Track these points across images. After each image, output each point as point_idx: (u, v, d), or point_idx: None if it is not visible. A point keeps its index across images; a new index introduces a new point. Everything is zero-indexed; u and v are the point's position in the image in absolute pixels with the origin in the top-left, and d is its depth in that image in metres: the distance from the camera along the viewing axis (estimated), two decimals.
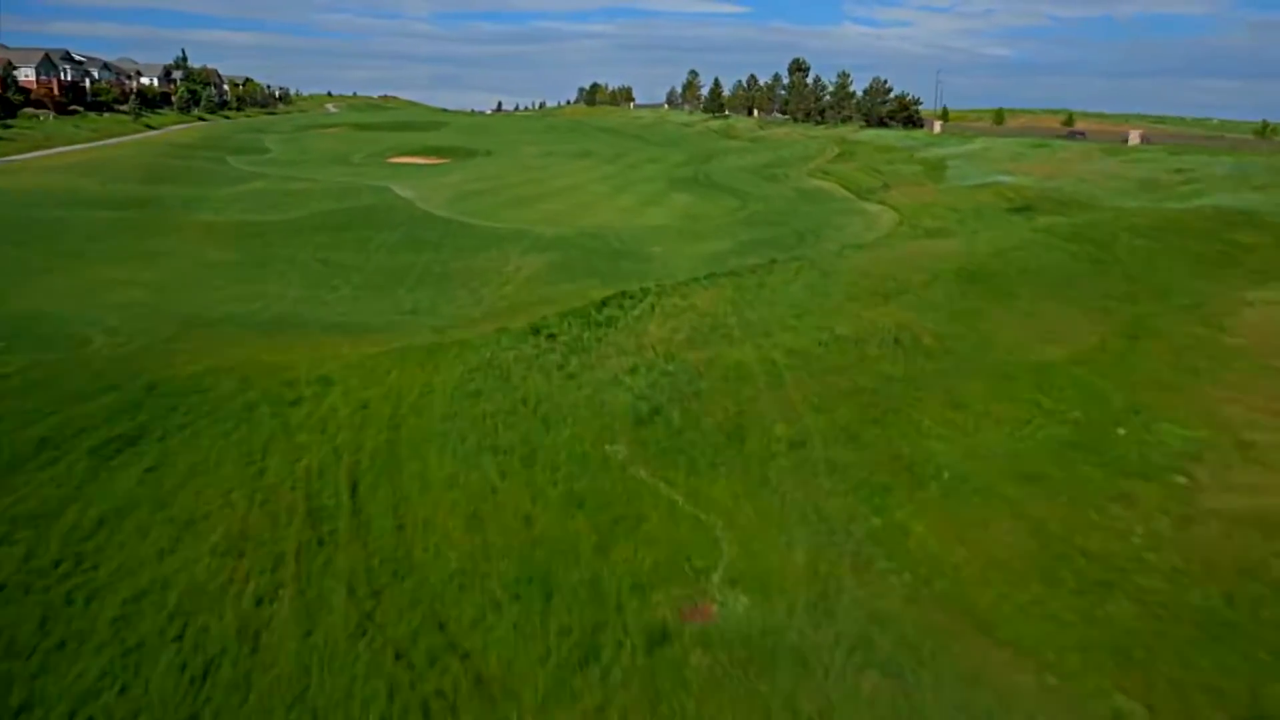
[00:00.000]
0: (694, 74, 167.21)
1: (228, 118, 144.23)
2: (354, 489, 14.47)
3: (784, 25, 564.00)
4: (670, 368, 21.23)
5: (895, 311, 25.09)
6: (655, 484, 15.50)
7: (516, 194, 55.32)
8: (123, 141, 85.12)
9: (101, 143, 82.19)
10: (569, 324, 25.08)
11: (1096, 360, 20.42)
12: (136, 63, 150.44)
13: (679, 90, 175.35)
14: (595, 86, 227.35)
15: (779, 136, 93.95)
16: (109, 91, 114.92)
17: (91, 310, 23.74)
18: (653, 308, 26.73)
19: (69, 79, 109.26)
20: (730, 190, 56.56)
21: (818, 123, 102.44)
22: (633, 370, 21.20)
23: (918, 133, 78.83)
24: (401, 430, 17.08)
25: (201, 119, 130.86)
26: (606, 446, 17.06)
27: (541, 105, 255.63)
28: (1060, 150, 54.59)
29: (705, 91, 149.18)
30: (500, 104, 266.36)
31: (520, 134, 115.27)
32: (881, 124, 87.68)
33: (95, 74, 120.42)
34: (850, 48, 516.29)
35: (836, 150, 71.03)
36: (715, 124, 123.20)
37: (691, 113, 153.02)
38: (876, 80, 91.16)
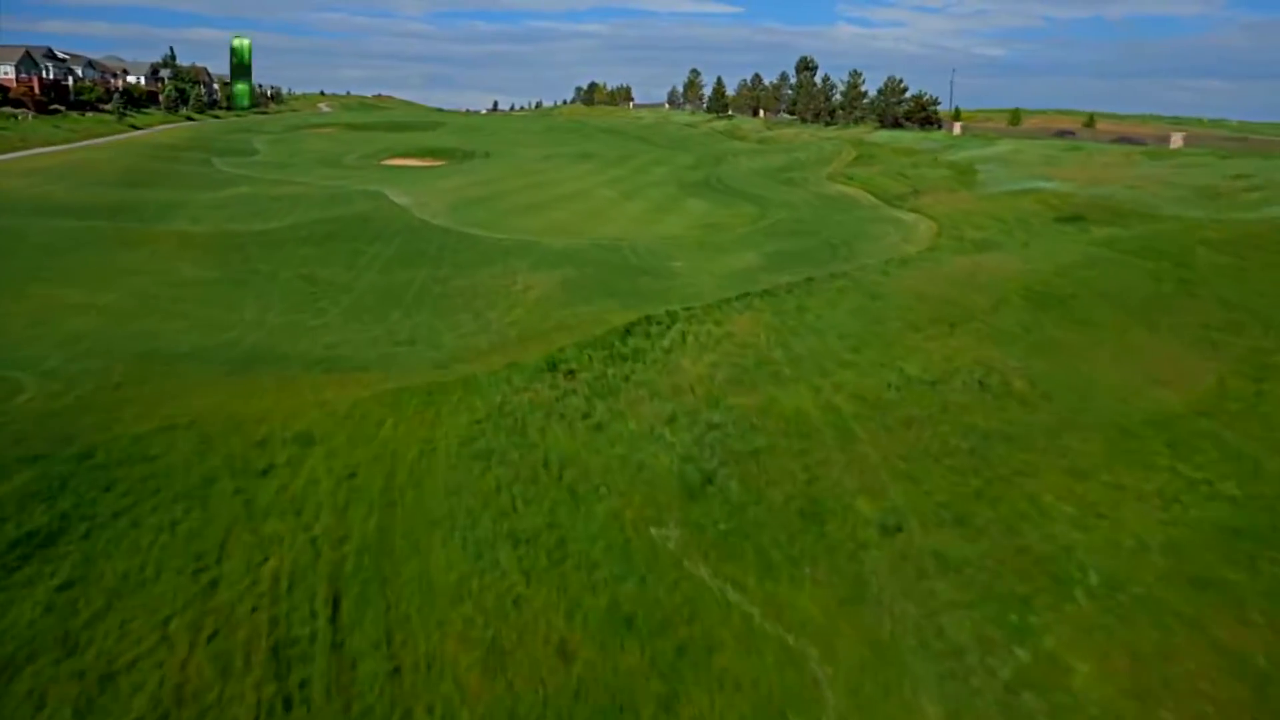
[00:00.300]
0: (695, 73, 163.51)
1: (217, 117, 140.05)
2: (335, 606, 11.10)
3: (777, 25, 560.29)
4: (716, 417, 17.88)
5: (967, 343, 21.79)
6: (721, 588, 12.16)
7: (520, 200, 51.84)
8: (104, 143, 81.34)
9: (82, 144, 78.38)
10: (590, 357, 21.70)
11: (1225, 409, 17.15)
12: (123, 60, 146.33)
13: (680, 90, 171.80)
14: (593, 86, 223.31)
15: (788, 138, 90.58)
16: (93, 90, 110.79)
17: (31, 345, 20.25)
18: (684, 336, 23.39)
19: (51, 77, 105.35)
20: (747, 196, 53.19)
21: (827, 123, 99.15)
22: (671, 420, 17.84)
23: (937, 134, 75.55)
24: (397, 510, 13.71)
25: (190, 119, 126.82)
26: (652, 530, 13.72)
27: (538, 105, 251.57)
28: (1098, 154, 51.37)
29: (708, 91, 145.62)
30: (496, 103, 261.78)
31: (519, 134, 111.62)
32: (896, 125, 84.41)
33: (79, 72, 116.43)
34: (845, 48, 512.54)
35: (854, 152, 67.69)
36: (720, 124, 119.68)
37: (694, 113, 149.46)
38: (891, 79, 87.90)
